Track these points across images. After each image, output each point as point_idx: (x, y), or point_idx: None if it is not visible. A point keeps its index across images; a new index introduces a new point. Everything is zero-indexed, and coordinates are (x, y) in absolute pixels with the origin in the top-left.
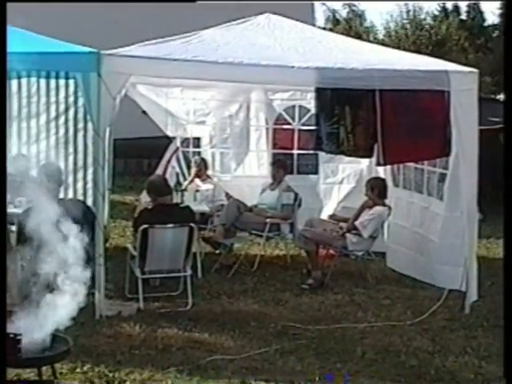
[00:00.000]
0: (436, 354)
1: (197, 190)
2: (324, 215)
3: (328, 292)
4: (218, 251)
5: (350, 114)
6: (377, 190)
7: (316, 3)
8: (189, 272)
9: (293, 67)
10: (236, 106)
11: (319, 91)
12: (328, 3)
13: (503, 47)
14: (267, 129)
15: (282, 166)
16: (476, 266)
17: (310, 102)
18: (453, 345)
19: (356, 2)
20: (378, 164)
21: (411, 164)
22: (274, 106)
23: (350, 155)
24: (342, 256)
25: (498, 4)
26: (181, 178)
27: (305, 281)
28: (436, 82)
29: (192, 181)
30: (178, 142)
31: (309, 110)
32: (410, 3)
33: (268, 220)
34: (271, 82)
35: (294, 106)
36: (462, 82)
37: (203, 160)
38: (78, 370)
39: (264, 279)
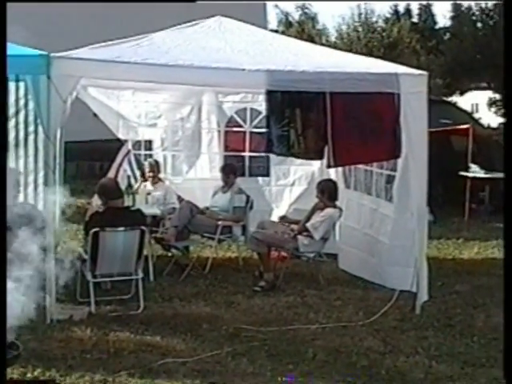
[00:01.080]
0: (387, 355)
1: (148, 193)
2: (275, 217)
3: (280, 294)
4: (170, 254)
5: (300, 117)
6: (328, 192)
7: (269, 6)
8: (140, 275)
9: (243, 70)
10: (187, 109)
11: (270, 94)
12: (281, 6)
13: (503, 48)
14: (219, 131)
15: (231, 170)
16: (426, 266)
17: (261, 105)
18: (404, 345)
19: (308, 4)
20: (329, 166)
21: (361, 166)
22: (226, 109)
23: (300, 157)
24: (293, 258)
25: (449, 7)
26: (132, 181)
27: (257, 283)
28: (386, 85)
29: (145, 181)
30: (129, 145)
31: (260, 113)
32: (362, 6)
33: (220, 222)
34: (222, 85)
35: (245, 109)
36: (411, 84)
37: (156, 162)
38: (28, 374)
39: (216, 282)
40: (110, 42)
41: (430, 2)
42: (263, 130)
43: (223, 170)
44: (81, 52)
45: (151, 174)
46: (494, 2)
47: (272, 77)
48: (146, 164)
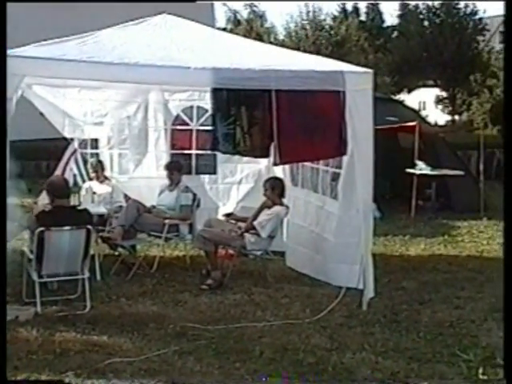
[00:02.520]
0: (334, 351)
1: (94, 192)
2: (222, 215)
3: (227, 292)
4: (117, 253)
5: (246, 115)
6: (275, 189)
7: (216, 4)
8: (87, 274)
9: (189, 68)
10: (134, 107)
11: (215, 92)
12: (229, 4)
13: (503, 48)
14: (165, 129)
15: (176, 167)
16: (372, 263)
17: (208, 103)
18: (350, 341)
19: (256, 2)
20: (275, 164)
21: (308, 163)
22: (172, 107)
23: (246, 155)
24: (240, 256)
25: (396, 5)
26: (79, 180)
27: (204, 281)
28: (331, 83)
29: (91, 180)
30: (76, 144)
31: (207, 111)
32: (310, 4)
33: (167, 221)
34: (168, 83)
35: (191, 107)
36: (357, 82)
37: (100, 162)
38: None
39: (163, 280)
40: (55, 40)
41: (377, 1)
42: (210, 128)
43: (168, 167)
44: (25, 50)
45: (94, 174)
46: (441, 1)
47: (218, 75)
48: (89, 164)
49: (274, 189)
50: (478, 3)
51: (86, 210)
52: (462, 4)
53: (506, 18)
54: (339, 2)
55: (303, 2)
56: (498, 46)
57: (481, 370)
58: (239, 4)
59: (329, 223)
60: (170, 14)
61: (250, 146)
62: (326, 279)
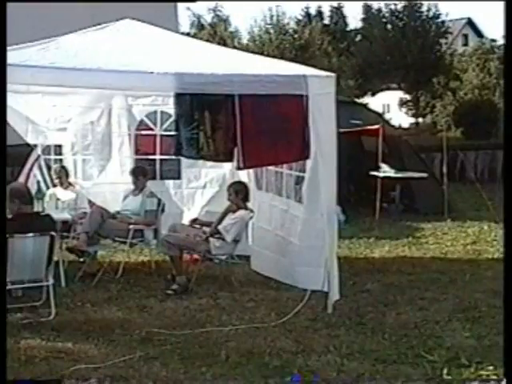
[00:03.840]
0: (299, 354)
1: (58, 199)
2: (187, 220)
3: (193, 296)
4: (81, 259)
5: (209, 119)
6: (239, 194)
7: (180, 8)
8: (51, 281)
9: (152, 73)
10: (97, 113)
11: (179, 96)
12: (193, 8)
13: (503, 48)
14: (129, 135)
15: (142, 172)
16: (337, 266)
17: (171, 108)
18: (316, 344)
19: (220, 6)
20: (238, 168)
21: (272, 167)
22: (136, 112)
23: (209, 160)
24: (205, 260)
25: (360, 9)
26: (43, 186)
27: (169, 286)
28: (294, 87)
29: (54, 186)
30: (39, 150)
31: (171, 115)
32: (274, 8)
33: (131, 226)
34: (131, 88)
35: (155, 112)
36: (319, 85)
37: (63, 168)
38: None
39: (128, 286)
40: (15, 46)
41: (341, 4)
42: (174, 133)
43: (133, 172)
44: None
45: (58, 181)
46: (404, 4)
47: (181, 80)
48: (52, 170)
49: (238, 193)
50: (440, 7)
51: (49, 216)
52: (424, 7)
53: (506, 18)
54: (303, 6)
55: (267, 6)
56: (461, 49)
57: (445, 371)
58: (203, 8)
59: (294, 227)
60: (133, 19)
61: (214, 150)
62: (292, 282)
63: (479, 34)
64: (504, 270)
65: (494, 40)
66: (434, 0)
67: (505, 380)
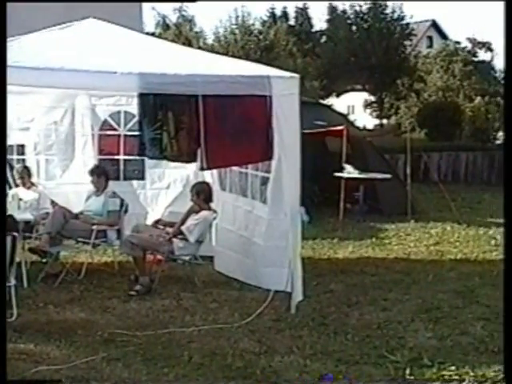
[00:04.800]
0: (262, 355)
1: (21, 199)
2: (151, 221)
3: (156, 297)
4: (44, 260)
5: (173, 120)
6: (202, 194)
7: (145, 8)
8: (13, 282)
9: (115, 73)
10: (61, 112)
11: (142, 97)
12: (158, 8)
13: (503, 48)
14: (93, 135)
15: (101, 173)
16: (301, 266)
17: (135, 108)
18: (279, 345)
19: (185, 6)
20: (202, 168)
21: (236, 168)
22: (100, 112)
23: (173, 160)
24: (169, 261)
25: (325, 10)
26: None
27: (132, 287)
28: (258, 87)
29: (17, 186)
30: None
31: (134, 116)
32: (240, 9)
33: (94, 227)
34: (94, 88)
35: (119, 112)
36: (283, 86)
37: (26, 168)
38: None
39: (91, 287)
40: None
41: (306, 5)
42: (137, 133)
43: (91, 172)
44: None
45: (20, 181)
46: (369, 6)
47: (144, 80)
48: (14, 170)
49: (200, 194)
50: (404, 9)
51: (11, 216)
52: (389, 9)
53: (506, 18)
54: (268, 7)
55: (232, 7)
56: (425, 51)
57: (408, 371)
58: (168, 8)
59: (258, 227)
60: (96, 18)
61: (177, 151)
62: (256, 283)
63: (443, 36)
64: (504, 270)
65: (458, 42)
66: (400, 0)
67: (467, 379)
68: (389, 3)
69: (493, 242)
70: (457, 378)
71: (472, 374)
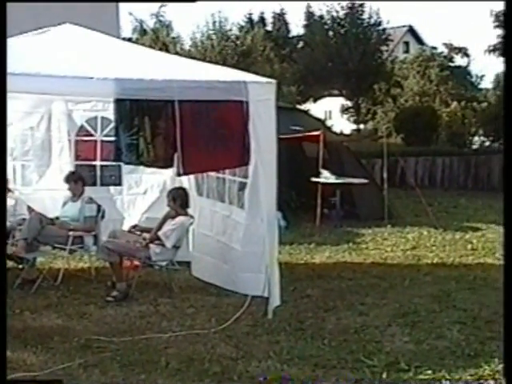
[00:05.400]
0: (239, 360)
1: None
2: (127, 226)
3: (133, 303)
4: (20, 266)
5: (149, 125)
6: (179, 200)
7: (122, 13)
8: None
9: (91, 78)
10: (37, 118)
11: (118, 102)
12: (135, 13)
13: (503, 48)
14: (69, 140)
15: (77, 178)
16: (278, 271)
17: (112, 113)
18: (256, 350)
19: (162, 12)
20: (179, 174)
21: (214, 173)
22: (76, 117)
23: (149, 166)
24: (146, 266)
25: (302, 16)
26: None
27: (109, 293)
28: (234, 93)
29: None
30: None
31: (111, 121)
32: (217, 14)
33: (71, 233)
34: (70, 94)
35: (96, 117)
36: (259, 92)
37: None
38: None
39: (68, 293)
40: None
41: (283, 10)
42: (114, 139)
43: (67, 178)
44: None
45: None
46: (346, 12)
47: (121, 85)
48: None
49: (177, 199)
50: (381, 14)
51: None
52: (366, 15)
53: (506, 18)
54: (245, 12)
55: (210, 12)
56: (402, 56)
57: (385, 375)
58: (145, 13)
59: (236, 233)
60: (73, 23)
61: (154, 156)
62: (234, 288)
63: (420, 41)
64: (504, 271)
65: (434, 47)
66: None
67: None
68: (365, 9)
69: (469, 246)
70: (433, 381)
71: (448, 377)
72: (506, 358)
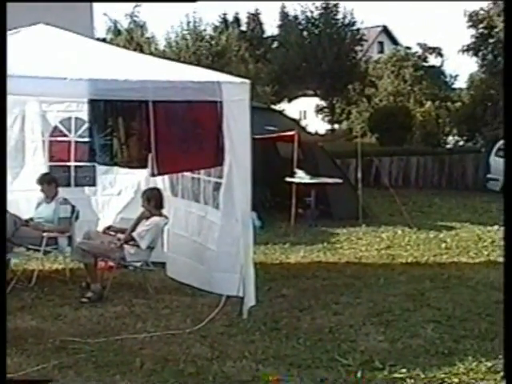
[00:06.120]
0: (214, 360)
1: None
2: (102, 227)
3: (107, 304)
4: None
5: (123, 126)
6: (153, 200)
7: (96, 13)
8: None
9: (65, 79)
10: (11, 119)
11: (92, 103)
12: (109, 14)
13: (503, 48)
14: (43, 141)
15: (50, 180)
16: (253, 271)
17: (86, 114)
18: (231, 350)
19: (137, 12)
20: (153, 175)
21: (188, 174)
22: (50, 118)
23: (123, 166)
24: (120, 267)
25: (277, 16)
26: None
27: (84, 294)
28: (208, 93)
29: None
30: None
31: (85, 122)
32: (191, 14)
33: (45, 234)
34: (44, 94)
35: (70, 118)
36: (234, 92)
37: None
38: None
39: (42, 294)
40: None
41: (258, 11)
42: (88, 140)
43: (40, 181)
44: None
45: None
46: (320, 12)
47: (94, 86)
48: None
49: (151, 200)
50: (355, 14)
51: None
52: (340, 15)
53: (506, 18)
54: (220, 13)
55: (184, 13)
56: (376, 56)
57: (359, 374)
58: (120, 14)
59: (211, 233)
60: (46, 24)
61: (128, 157)
62: (209, 289)
63: (394, 41)
64: (504, 271)
65: (408, 47)
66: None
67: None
68: (340, 9)
69: (443, 245)
70: (408, 380)
71: (423, 375)
72: (506, 358)
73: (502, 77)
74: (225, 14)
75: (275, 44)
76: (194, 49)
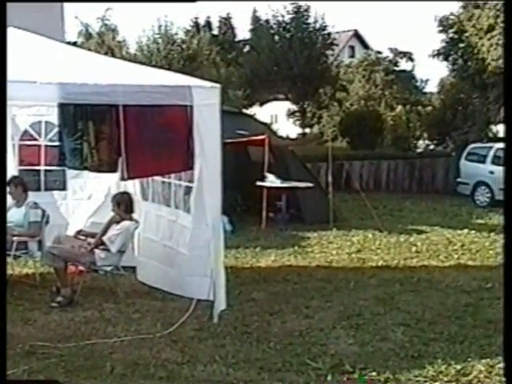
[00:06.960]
0: (185, 364)
1: None
2: (72, 231)
3: (78, 309)
4: None
5: (93, 129)
6: (123, 204)
7: (67, 17)
8: None
9: (35, 82)
10: None
11: (62, 107)
12: (80, 17)
13: (503, 48)
14: (13, 145)
15: (19, 183)
16: (224, 275)
17: (56, 118)
18: (201, 354)
19: (108, 15)
20: (122, 179)
21: (159, 178)
22: (20, 122)
23: (93, 170)
24: (91, 272)
25: (248, 20)
26: None
27: (54, 298)
28: (179, 97)
29: None
30: None
31: (55, 126)
32: (162, 18)
33: (15, 238)
34: (14, 98)
35: (40, 122)
36: (204, 96)
37: None
38: None
39: (12, 299)
40: None
41: (229, 15)
42: (58, 144)
43: (9, 183)
44: None
45: None
46: (291, 16)
47: (64, 90)
48: None
49: (121, 204)
50: (326, 19)
51: None
52: (311, 19)
53: (506, 18)
54: (192, 16)
55: (155, 17)
56: (347, 60)
57: (329, 377)
58: (91, 17)
59: (182, 237)
60: (15, 27)
61: (98, 161)
62: (180, 292)
63: (365, 45)
64: (504, 271)
65: (379, 52)
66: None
67: None
68: (311, 13)
69: (413, 248)
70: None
71: (392, 378)
72: (506, 358)
73: (503, 77)
74: (196, 18)
75: (247, 48)
76: (166, 53)
